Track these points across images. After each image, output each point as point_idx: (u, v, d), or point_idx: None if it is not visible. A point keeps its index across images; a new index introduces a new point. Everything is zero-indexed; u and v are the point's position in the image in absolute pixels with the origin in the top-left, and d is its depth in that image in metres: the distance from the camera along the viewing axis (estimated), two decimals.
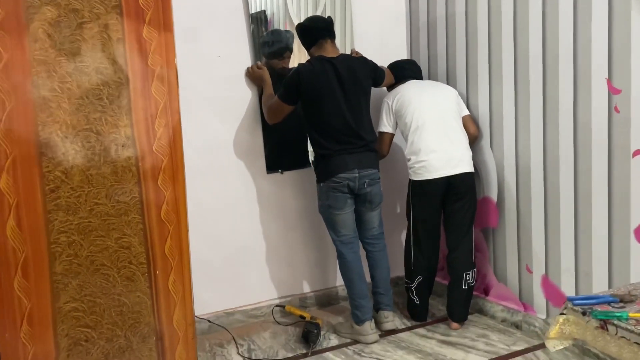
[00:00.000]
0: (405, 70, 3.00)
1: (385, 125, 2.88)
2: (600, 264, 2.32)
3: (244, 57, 2.88)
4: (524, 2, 2.54)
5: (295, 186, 3.07)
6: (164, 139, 1.90)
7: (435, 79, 3.12)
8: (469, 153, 2.78)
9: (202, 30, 2.77)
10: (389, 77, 2.95)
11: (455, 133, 2.76)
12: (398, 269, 3.10)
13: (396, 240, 3.27)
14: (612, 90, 2.20)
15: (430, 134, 2.73)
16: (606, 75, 2.21)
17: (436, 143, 2.72)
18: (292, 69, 2.79)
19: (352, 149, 2.64)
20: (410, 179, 2.82)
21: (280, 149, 3.01)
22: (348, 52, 3.09)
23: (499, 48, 2.68)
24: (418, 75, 3.03)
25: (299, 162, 3.04)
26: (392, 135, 2.90)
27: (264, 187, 3.00)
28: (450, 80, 3.03)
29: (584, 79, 2.30)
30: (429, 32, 3.16)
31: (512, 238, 2.75)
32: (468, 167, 2.75)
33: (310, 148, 2.88)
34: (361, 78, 2.69)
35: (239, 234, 2.95)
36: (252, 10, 2.87)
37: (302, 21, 2.79)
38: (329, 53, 2.67)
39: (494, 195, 2.84)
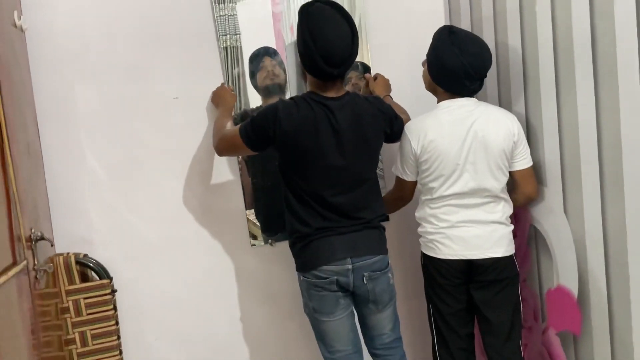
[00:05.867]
0: (450, 77, 1.80)
1: (404, 172, 1.96)
2: None
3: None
4: None
5: (291, 261, 2.29)
6: None
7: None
8: (507, 228, 1.89)
9: (153, 65, 2.11)
10: None
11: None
12: None
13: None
14: None
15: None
16: None
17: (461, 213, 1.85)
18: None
19: (343, 228, 1.81)
20: (420, 250, 1.98)
21: (269, 212, 2.24)
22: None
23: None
24: (472, 83, 1.82)
25: None
26: (415, 183, 1.98)
27: (247, 264, 2.26)
28: (503, 98, 2.03)
29: None
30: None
31: (605, 354, 1.74)
32: (504, 250, 1.86)
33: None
34: (369, 133, 1.82)
35: (212, 327, 2.24)
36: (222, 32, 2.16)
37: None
38: (327, 90, 1.77)
39: (572, 286, 1.82)
